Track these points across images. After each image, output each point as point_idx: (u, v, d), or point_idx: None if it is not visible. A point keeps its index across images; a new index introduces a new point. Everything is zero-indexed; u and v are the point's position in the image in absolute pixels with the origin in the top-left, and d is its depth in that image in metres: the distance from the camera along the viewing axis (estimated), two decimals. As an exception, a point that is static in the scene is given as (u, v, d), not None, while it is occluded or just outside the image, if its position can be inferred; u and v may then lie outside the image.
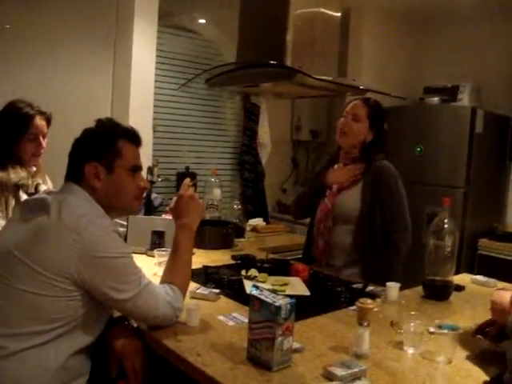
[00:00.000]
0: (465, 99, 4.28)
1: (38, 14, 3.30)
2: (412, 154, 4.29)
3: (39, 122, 2.47)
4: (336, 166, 2.77)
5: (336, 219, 2.66)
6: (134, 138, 1.79)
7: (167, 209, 2.00)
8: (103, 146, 1.71)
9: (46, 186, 2.57)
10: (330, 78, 2.50)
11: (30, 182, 2.48)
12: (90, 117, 1.79)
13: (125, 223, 2.77)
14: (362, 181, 2.62)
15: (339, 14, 2.75)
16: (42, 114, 2.49)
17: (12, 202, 2.36)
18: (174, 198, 1.94)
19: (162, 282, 1.78)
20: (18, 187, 2.41)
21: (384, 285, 2.24)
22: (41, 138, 2.48)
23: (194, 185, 2.00)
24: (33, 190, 2.46)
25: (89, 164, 1.68)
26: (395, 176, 2.61)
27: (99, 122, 1.77)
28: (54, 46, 3.39)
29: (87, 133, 1.75)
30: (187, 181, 1.96)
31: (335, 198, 2.67)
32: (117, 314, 1.78)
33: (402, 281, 2.27)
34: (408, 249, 2.61)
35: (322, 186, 2.75)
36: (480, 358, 1.60)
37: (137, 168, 1.79)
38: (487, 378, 1.47)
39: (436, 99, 4.38)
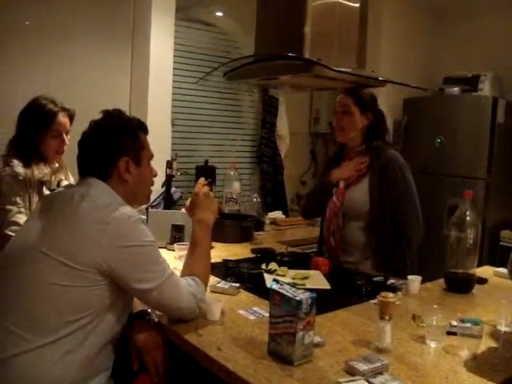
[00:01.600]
0: (486, 89, 4.21)
1: (56, 10, 3.31)
2: (432, 145, 4.25)
3: (62, 118, 2.49)
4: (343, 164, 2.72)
5: (347, 216, 2.62)
6: (147, 128, 1.85)
7: (186, 203, 2.03)
8: (131, 140, 1.74)
9: (68, 181, 2.60)
10: (350, 70, 2.47)
11: (52, 179, 2.50)
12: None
13: (144, 217, 2.78)
14: (369, 173, 2.57)
15: (358, 5, 2.72)
16: (65, 110, 2.52)
17: (35, 199, 2.39)
18: (190, 199, 2.01)
19: (183, 275, 1.79)
20: (41, 184, 2.44)
21: (399, 278, 2.23)
22: (64, 135, 2.50)
23: (211, 183, 2.06)
24: (55, 186, 2.48)
25: (121, 159, 1.70)
26: (403, 166, 2.55)
27: (109, 114, 1.78)
28: (73, 42, 3.40)
29: (105, 127, 1.75)
30: (202, 180, 2.02)
31: (344, 195, 2.62)
32: (137, 309, 1.79)
33: (416, 273, 2.26)
34: (420, 240, 2.56)
35: (328, 184, 2.70)
36: (504, 352, 1.58)
37: (152, 157, 1.85)
38: (512, 373, 1.45)
39: (456, 89, 4.32)
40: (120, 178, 1.71)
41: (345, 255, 2.64)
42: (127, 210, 1.61)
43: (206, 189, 1.99)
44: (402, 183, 2.52)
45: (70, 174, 2.64)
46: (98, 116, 1.77)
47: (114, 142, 1.72)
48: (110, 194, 1.67)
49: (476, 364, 1.49)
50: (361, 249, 2.60)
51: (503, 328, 1.75)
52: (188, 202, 2.01)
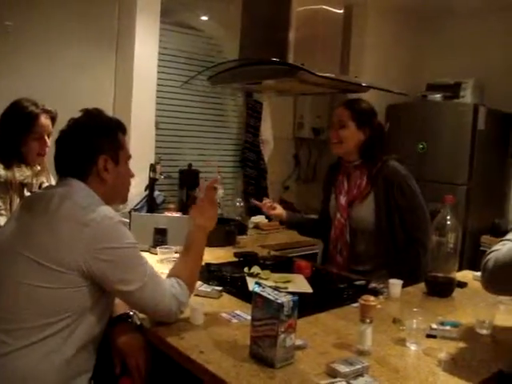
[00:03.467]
0: (467, 96, 4.27)
1: (40, 11, 3.30)
2: (415, 151, 4.28)
3: (44, 120, 2.48)
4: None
5: (354, 230, 2.62)
6: (125, 129, 1.84)
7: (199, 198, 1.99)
8: (110, 139, 1.74)
9: (49, 184, 2.58)
10: (333, 75, 2.49)
11: (34, 181, 2.49)
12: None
13: (127, 220, 2.77)
14: (373, 190, 2.56)
15: (341, 11, 2.75)
16: (47, 112, 2.50)
17: (17, 201, 2.38)
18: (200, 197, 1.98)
19: (169, 275, 1.78)
20: (22, 186, 2.42)
21: (413, 281, 2.28)
22: (46, 137, 2.49)
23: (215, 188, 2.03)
24: (37, 189, 2.47)
25: (100, 157, 1.70)
26: (406, 176, 2.55)
27: (88, 113, 1.78)
28: (56, 44, 3.38)
29: (85, 125, 1.74)
30: (207, 184, 1.98)
31: (347, 211, 2.62)
32: (119, 311, 1.78)
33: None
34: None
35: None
36: (482, 354, 1.61)
37: (130, 158, 1.85)
38: (489, 374, 1.48)
39: (438, 96, 4.37)
40: (99, 176, 1.70)
41: (357, 265, 2.63)
42: (108, 211, 1.61)
43: (213, 195, 1.97)
44: (409, 194, 2.52)
45: (51, 176, 2.63)
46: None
47: (94, 140, 1.71)
48: (90, 194, 1.66)
49: (455, 366, 1.51)
50: (372, 258, 2.59)
51: (481, 331, 1.77)
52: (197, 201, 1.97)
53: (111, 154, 1.73)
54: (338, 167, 2.77)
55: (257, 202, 2.95)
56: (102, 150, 1.71)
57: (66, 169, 1.72)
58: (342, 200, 2.65)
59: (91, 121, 1.76)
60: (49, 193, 1.66)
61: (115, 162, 1.74)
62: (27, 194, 2.42)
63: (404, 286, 2.20)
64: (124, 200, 1.93)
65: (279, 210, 2.93)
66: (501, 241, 1.64)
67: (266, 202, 2.93)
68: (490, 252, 1.57)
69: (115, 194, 1.80)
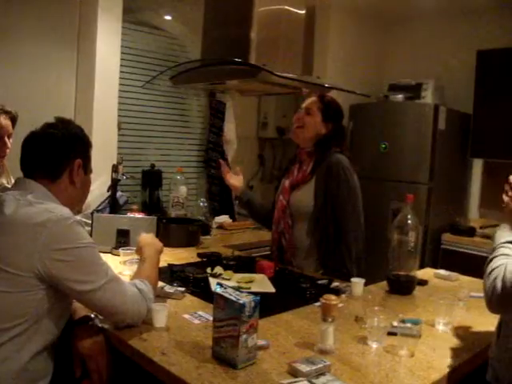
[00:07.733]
0: (428, 97, 4.34)
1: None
2: (377, 150, 4.34)
3: (3, 121, 2.43)
4: None
5: (293, 217, 2.65)
6: (91, 145, 1.88)
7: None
8: (85, 147, 1.80)
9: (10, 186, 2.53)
10: (295, 76, 2.50)
11: (-6, 183, 2.44)
12: (54, 115, 1.78)
13: (88, 221, 2.73)
14: (315, 176, 2.59)
15: (303, 12, 2.76)
16: (6, 113, 2.45)
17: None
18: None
19: (132, 279, 1.80)
20: None
21: (342, 280, 2.30)
22: (6, 138, 2.44)
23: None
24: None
25: (76, 159, 1.73)
26: (346, 169, 2.54)
27: (64, 120, 1.80)
28: (17, 44, 3.31)
29: (65, 130, 1.74)
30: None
31: (289, 194, 2.67)
32: (79, 314, 1.75)
33: (365, 275, 2.31)
34: (361, 242, 2.56)
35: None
36: (442, 351, 1.63)
37: (91, 172, 1.88)
38: (448, 370, 1.50)
39: (400, 96, 4.43)
40: (70, 179, 1.72)
41: (293, 256, 2.65)
42: (64, 211, 1.59)
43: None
44: (344, 185, 2.52)
45: (12, 178, 2.58)
46: (42, 119, 1.76)
47: (73, 143, 1.74)
48: (47, 196, 1.64)
49: (414, 362, 1.54)
50: (305, 250, 2.61)
51: (440, 327, 1.81)
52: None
53: (84, 161, 1.77)
54: (295, 159, 2.81)
55: (222, 163, 2.99)
56: (79, 155, 1.74)
57: (36, 169, 1.69)
58: (286, 183, 2.72)
59: (70, 126, 1.78)
60: (4, 195, 1.63)
61: (85, 170, 1.77)
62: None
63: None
64: (80, 210, 1.94)
65: (237, 182, 2.94)
66: (499, 255, 1.50)
67: (226, 168, 2.96)
68: (492, 270, 1.46)
69: (78, 201, 1.83)
